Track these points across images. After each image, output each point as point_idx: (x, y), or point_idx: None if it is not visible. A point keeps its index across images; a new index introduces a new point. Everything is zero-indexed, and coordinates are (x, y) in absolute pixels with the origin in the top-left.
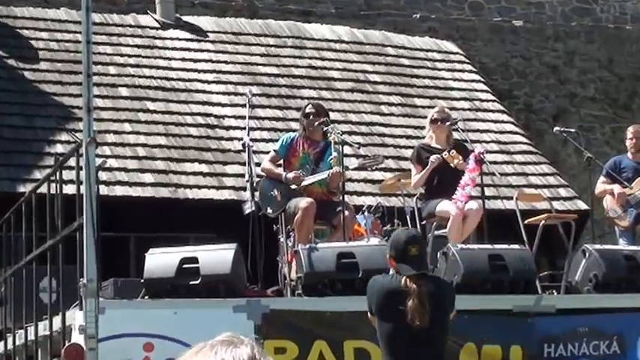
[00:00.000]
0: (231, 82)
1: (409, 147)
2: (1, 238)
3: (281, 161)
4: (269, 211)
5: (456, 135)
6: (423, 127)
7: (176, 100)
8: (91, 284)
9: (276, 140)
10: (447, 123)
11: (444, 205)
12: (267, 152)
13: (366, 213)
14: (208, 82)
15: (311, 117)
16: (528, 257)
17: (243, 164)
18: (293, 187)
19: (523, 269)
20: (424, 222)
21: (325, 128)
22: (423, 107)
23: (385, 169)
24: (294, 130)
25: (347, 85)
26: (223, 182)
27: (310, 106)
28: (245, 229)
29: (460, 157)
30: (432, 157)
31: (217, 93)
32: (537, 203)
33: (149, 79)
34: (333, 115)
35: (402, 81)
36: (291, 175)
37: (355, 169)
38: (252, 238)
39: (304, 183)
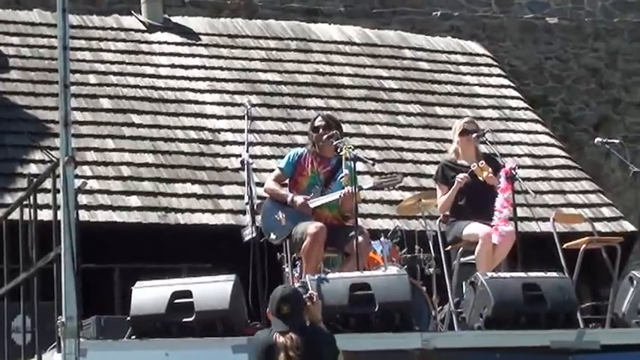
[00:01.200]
0: (227, 92)
1: (430, 162)
2: None
3: (287, 180)
4: (272, 237)
5: (483, 148)
6: (445, 140)
7: (165, 113)
8: (71, 323)
9: (279, 157)
10: (475, 135)
11: (471, 228)
12: (269, 170)
13: (382, 238)
14: (201, 92)
15: (320, 130)
16: (568, 286)
17: (242, 184)
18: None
19: (562, 300)
20: (449, 247)
21: (336, 142)
22: (446, 117)
23: (404, 188)
24: (300, 145)
25: (359, 92)
26: (220, 205)
27: (320, 118)
28: (245, 258)
29: (490, 170)
30: (459, 177)
31: (212, 104)
32: (577, 225)
33: (134, 89)
34: (344, 128)
35: (422, 87)
36: (298, 199)
37: (370, 188)
38: (253, 268)
39: (313, 205)
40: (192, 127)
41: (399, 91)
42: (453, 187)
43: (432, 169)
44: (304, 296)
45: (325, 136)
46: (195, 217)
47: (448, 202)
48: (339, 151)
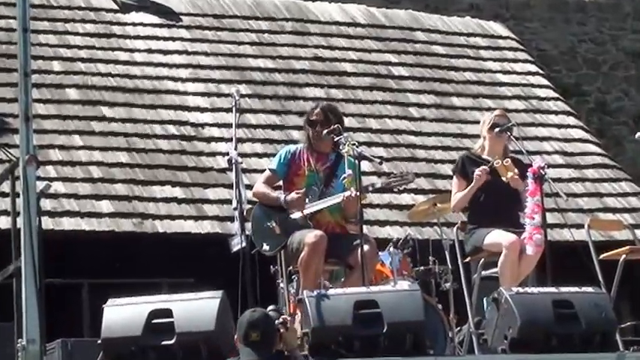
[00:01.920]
0: (212, 80)
1: (446, 161)
2: None
3: (280, 182)
4: (265, 247)
5: (513, 148)
6: (464, 135)
7: (141, 105)
8: (33, 346)
9: (272, 155)
10: (498, 130)
11: (494, 237)
12: (260, 171)
13: (391, 249)
14: (183, 80)
15: (318, 124)
16: (605, 303)
17: (230, 187)
18: (295, 215)
19: (599, 319)
20: (468, 259)
21: (337, 138)
22: (464, 109)
23: (416, 191)
24: (295, 142)
25: (364, 81)
26: (204, 211)
27: (318, 110)
28: (233, 272)
29: (516, 171)
30: (478, 170)
31: (195, 94)
32: (616, 232)
33: (106, 78)
34: (347, 121)
35: (436, 75)
36: (291, 195)
37: (377, 190)
38: (242, 283)
39: (311, 210)
40: (172, 122)
41: (411, 79)
42: (472, 183)
43: (447, 169)
44: (277, 321)
45: (324, 132)
46: (176, 224)
47: (464, 199)
48: (341, 148)
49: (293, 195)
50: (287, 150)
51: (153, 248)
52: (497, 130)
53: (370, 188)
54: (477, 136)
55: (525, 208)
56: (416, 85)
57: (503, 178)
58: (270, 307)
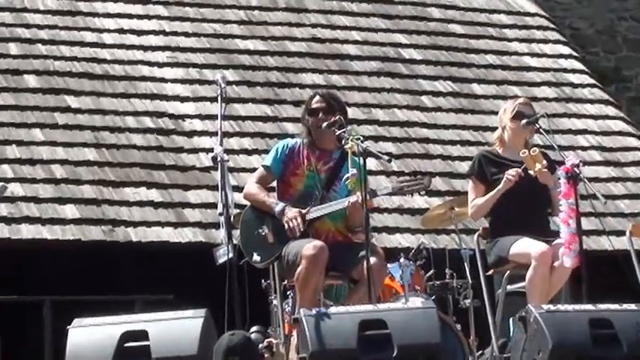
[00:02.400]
0: (194, 65)
1: (465, 158)
2: None
3: (274, 182)
4: (255, 258)
5: (536, 138)
6: (486, 129)
7: (111, 94)
8: None
9: (264, 152)
10: (526, 121)
11: (522, 246)
12: (250, 170)
13: (402, 260)
14: (160, 65)
15: (320, 114)
16: None
17: (215, 188)
18: (290, 222)
19: None
20: (491, 271)
21: (339, 132)
22: (486, 97)
23: (430, 193)
24: (292, 136)
25: (370, 65)
26: (184, 217)
27: (318, 98)
28: (219, 288)
29: (545, 162)
30: (509, 173)
31: (174, 81)
32: None
33: (70, 62)
34: (350, 112)
35: (454, 58)
36: (291, 214)
37: (387, 194)
38: (229, 300)
39: (310, 216)
40: (147, 113)
41: (424, 64)
42: (499, 187)
43: (467, 167)
44: (261, 345)
45: (325, 123)
46: (152, 232)
47: (485, 206)
48: (343, 142)
49: (290, 215)
50: (284, 144)
51: (125, 260)
52: (524, 121)
53: (378, 193)
54: None
55: (556, 211)
56: (430, 70)
57: (531, 172)
58: (254, 329)
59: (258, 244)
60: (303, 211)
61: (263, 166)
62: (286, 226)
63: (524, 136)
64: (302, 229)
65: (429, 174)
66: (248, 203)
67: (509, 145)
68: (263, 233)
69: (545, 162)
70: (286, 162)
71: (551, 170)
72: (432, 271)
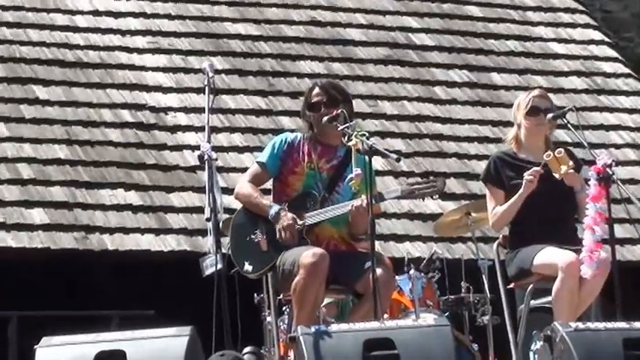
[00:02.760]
0: (178, 51)
1: (483, 157)
2: None
3: (270, 181)
4: (247, 268)
5: (563, 134)
6: (507, 124)
7: (85, 83)
8: None
9: (257, 149)
10: (552, 116)
11: (547, 255)
12: (241, 170)
13: (412, 271)
14: (140, 52)
15: (322, 106)
16: None
17: (202, 191)
18: (282, 232)
19: None
20: (512, 285)
21: (342, 127)
22: (507, 88)
23: (444, 196)
24: (292, 130)
25: (376, 52)
26: (167, 222)
27: (318, 89)
28: (206, 302)
29: (571, 163)
30: (528, 174)
31: (155, 69)
32: None
33: (39, 48)
34: (355, 105)
35: (471, 44)
36: (285, 221)
37: (395, 197)
38: (217, 316)
39: (312, 221)
40: (125, 105)
41: (436, 50)
42: (520, 191)
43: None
44: None
45: (327, 117)
46: (131, 240)
47: (508, 214)
48: (346, 139)
49: (285, 220)
50: (282, 138)
51: (100, 271)
52: (549, 116)
53: (386, 196)
54: None
55: (583, 216)
56: (444, 57)
57: (556, 175)
58: (246, 349)
59: (251, 251)
60: (299, 222)
61: (258, 162)
62: (278, 234)
63: (542, 133)
64: (296, 241)
65: (442, 175)
66: (239, 205)
67: (526, 145)
68: (256, 240)
69: (571, 163)
70: (284, 159)
71: (577, 169)
72: (445, 284)
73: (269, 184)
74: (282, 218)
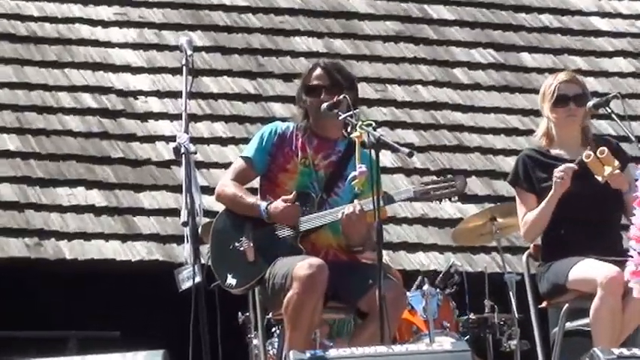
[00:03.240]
0: (150, 24)
1: (511, 152)
2: None
3: (257, 178)
4: (230, 282)
5: (605, 125)
6: (538, 113)
7: (41, 62)
8: None
9: (243, 141)
10: (593, 104)
11: (584, 269)
12: (224, 165)
13: (426, 286)
14: (105, 24)
15: (322, 93)
16: None
17: (177, 190)
18: (283, 232)
19: None
20: (545, 303)
21: (344, 116)
22: (540, 71)
23: (464, 198)
24: (283, 119)
25: (385, 28)
26: (136, 227)
27: (319, 70)
28: (181, 321)
29: (617, 164)
30: (557, 172)
31: (124, 46)
32: None
33: None
34: (359, 89)
35: (496, 19)
36: (276, 205)
37: (407, 199)
38: (195, 337)
39: (306, 226)
40: (87, 88)
41: (456, 25)
42: (551, 193)
43: (513, 164)
44: None
45: (325, 104)
46: (93, 247)
47: (541, 220)
48: (349, 130)
49: (278, 204)
50: (272, 129)
51: (56, 284)
52: (590, 104)
53: (395, 198)
54: None
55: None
56: (465, 34)
57: (598, 178)
58: None
59: (234, 262)
60: (289, 198)
61: (242, 157)
62: (277, 213)
63: (576, 124)
64: (297, 212)
65: (462, 173)
66: (222, 207)
67: (558, 140)
68: (241, 248)
69: (616, 162)
70: (274, 153)
71: (623, 167)
72: (465, 302)
73: (255, 183)
74: (274, 204)
